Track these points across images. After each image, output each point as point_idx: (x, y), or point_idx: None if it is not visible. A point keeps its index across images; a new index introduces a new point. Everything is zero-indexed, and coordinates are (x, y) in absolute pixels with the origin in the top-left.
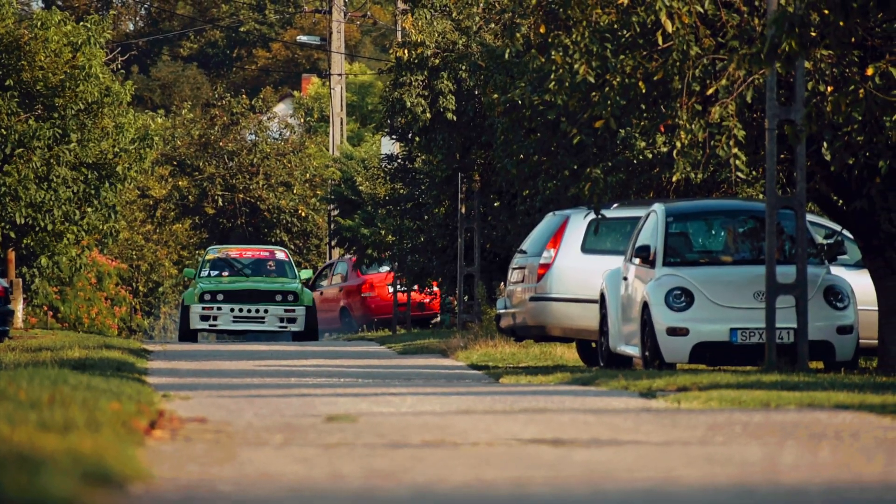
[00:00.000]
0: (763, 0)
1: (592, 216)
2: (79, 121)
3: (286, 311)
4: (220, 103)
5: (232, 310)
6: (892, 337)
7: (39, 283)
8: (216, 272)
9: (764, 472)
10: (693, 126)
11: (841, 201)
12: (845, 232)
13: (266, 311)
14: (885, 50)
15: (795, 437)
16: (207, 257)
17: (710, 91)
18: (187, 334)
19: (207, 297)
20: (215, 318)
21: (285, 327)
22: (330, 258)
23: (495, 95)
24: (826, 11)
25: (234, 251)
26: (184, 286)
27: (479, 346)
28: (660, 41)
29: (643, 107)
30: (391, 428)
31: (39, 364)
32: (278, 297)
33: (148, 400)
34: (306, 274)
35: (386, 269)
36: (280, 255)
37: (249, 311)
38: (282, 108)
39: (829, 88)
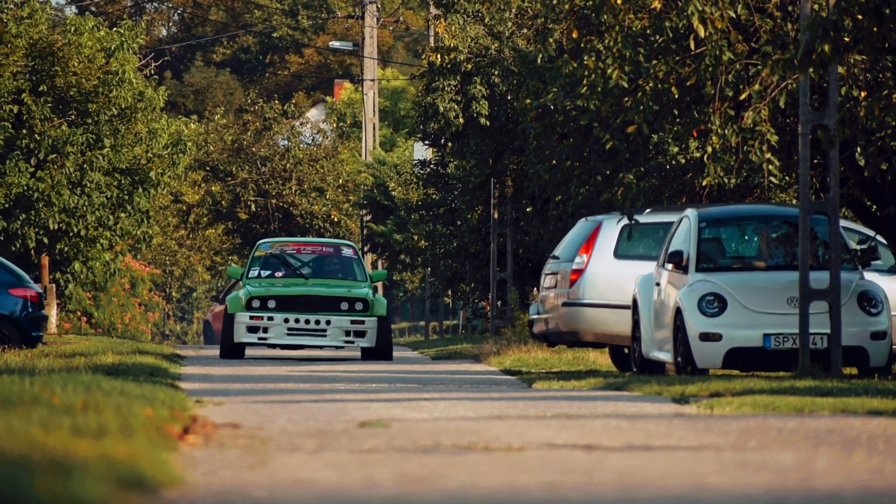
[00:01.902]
0: (796, 5)
1: (625, 221)
2: (112, 126)
3: (353, 322)
4: (252, 109)
5: (286, 320)
6: None
7: (73, 288)
8: (268, 272)
9: (797, 478)
10: (726, 131)
11: (874, 206)
12: (879, 237)
13: (328, 323)
14: None
15: (829, 443)
16: (258, 253)
17: (744, 96)
18: (231, 349)
19: (256, 303)
20: (265, 331)
21: (352, 342)
22: None
23: (528, 100)
24: (860, 17)
25: (290, 246)
26: (216, 292)
27: (512, 352)
28: (692, 46)
29: (676, 112)
30: (424, 433)
31: (73, 369)
32: (344, 305)
33: (181, 405)
34: (380, 275)
35: None
36: (347, 251)
37: (308, 321)
38: (314, 114)
39: (863, 93)
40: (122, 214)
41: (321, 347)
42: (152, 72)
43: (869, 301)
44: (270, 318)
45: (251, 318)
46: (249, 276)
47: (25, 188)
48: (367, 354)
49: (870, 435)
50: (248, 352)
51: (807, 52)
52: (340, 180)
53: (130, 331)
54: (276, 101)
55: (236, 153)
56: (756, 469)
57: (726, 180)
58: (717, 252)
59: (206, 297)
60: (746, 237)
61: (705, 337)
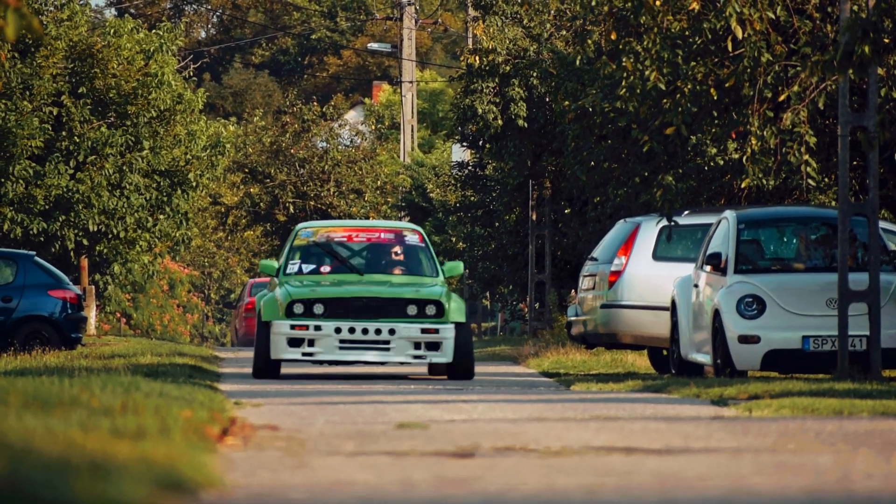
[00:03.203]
0: (836, 6)
1: (664, 223)
2: (151, 128)
3: (424, 331)
4: (291, 110)
5: (338, 330)
6: None
7: (112, 290)
8: (311, 266)
9: (836, 480)
10: (764, 133)
11: None
12: None
13: (392, 333)
14: None
15: (868, 446)
16: (298, 241)
17: (782, 98)
18: (267, 367)
19: (299, 308)
20: (311, 344)
21: (422, 357)
22: None
23: (566, 102)
24: None
25: (339, 231)
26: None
27: (551, 354)
28: (730, 48)
29: (714, 113)
30: (462, 435)
31: (112, 371)
32: (411, 309)
33: (220, 407)
34: (455, 269)
35: None
36: (412, 237)
37: (366, 331)
38: (353, 116)
39: None
40: (161, 216)
41: (383, 364)
42: (191, 74)
43: None
44: (318, 328)
45: (292, 327)
46: (287, 271)
47: (65, 190)
48: (441, 371)
49: None
50: (285, 369)
51: (846, 53)
52: (379, 182)
53: (169, 332)
54: (315, 103)
55: (275, 155)
56: (795, 471)
57: (765, 182)
58: (756, 254)
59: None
60: (785, 239)
61: (744, 339)
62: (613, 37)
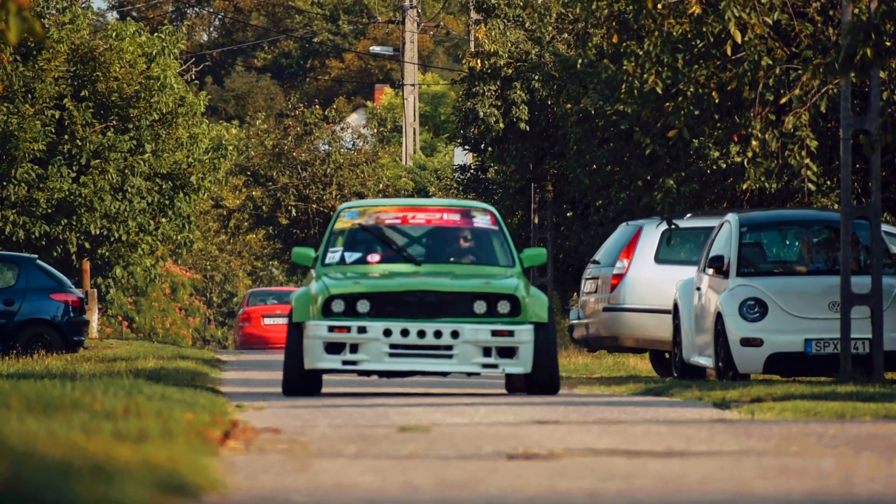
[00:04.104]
0: (837, 10)
1: (665, 226)
2: (153, 131)
3: (496, 333)
4: (293, 114)
5: (388, 332)
6: None
7: (114, 293)
8: (356, 254)
9: (839, 483)
10: (766, 136)
11: None
12: None
13: (455, 335)
14: None
15: (871, 449)
16: (340, 224)
17: (784, 101)
18: (301, 379)
19: (339, 305)
20: (355, 350)
21: (494, 366)
22: None
23: (568, 105)
24: None
25: (390, 212)
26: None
27: None
28: (729, 52)
29: (716, 117)
30: (464, 438)
31: (114, 374)
32: (480, 306)
33: (222, 410)
34: (536, 256)
35: (273, 300)
36: (482, 218)
37: (422, 333)
38: (355, 119)
39: None
40: (163, 219)
41: (444, 374)
42: (193, 77)
43: None
44: (362, 330)
45: (331, 328)
46: (327, 261)
47: (67, 193)
48: (518, 384)
49: None
50: (325, 382)
51: (848, 56)
52: (381, 185)
53: (171, 336)
54: (317, 106)
55: (277, 158)
56: (797, 474)
57: (767, 185)
58: (758, 257)
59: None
60: (787, 242)
61: (746, 342)
62: (615, 40)
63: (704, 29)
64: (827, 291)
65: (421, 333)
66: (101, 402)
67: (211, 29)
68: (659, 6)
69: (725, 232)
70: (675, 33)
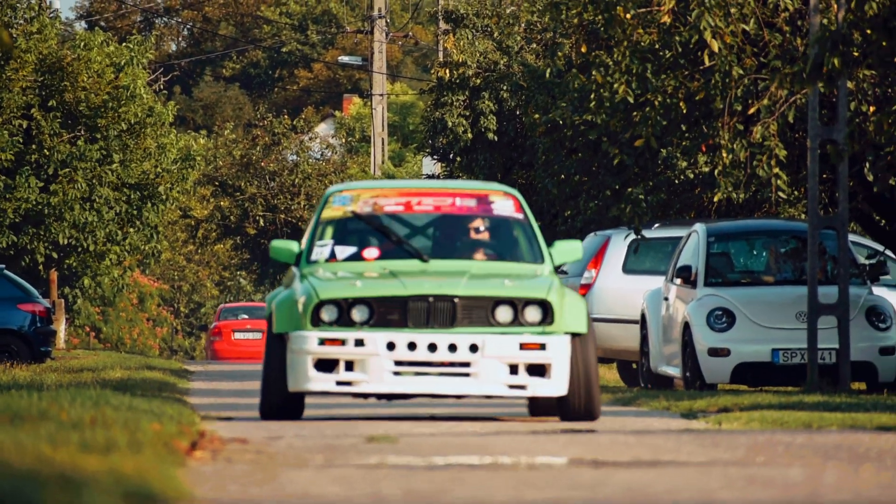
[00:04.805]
0: (805, 20)
1: (633, 236)
2: (121, 141)
3: (524, 346)
4: (261, 123)
5: (391, 345)
6: None
7: (82, 303)
8: (349, 249)
9: (806, 493)
10: (734, 146)
11: (883, 221)
12: (888, 252)
13: (474, 349)
14: None
15: (838, 459)
16: (329, 213)
17: (752, 111)
18: (283, 401)
19: (331, 312)
20: (351, 367)
21: (521, 387)
22: None
23: (536, 115)
24: (869, 31)
25: (391, 196)
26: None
27: None
28: (706, 61)
29: (684, 127)
30: (432, 448)
31: (81, 385)
32: (504, 314)
33: (189, 420)
34: (569, 251)
35: (245, 315)
36: (503, 203)
37: (433, 347)
38: (323, 129)
39: (872, 108)
40: (131, 230)
41: (460, 397)
42: (161, 87)
43: (878, 316)
44: (360, 343)
45: (322, 342)
46: (313, 257)
47: (35, 203)
48: (548, 407)
49: (878, 450)
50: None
51: (816, 66)
52: None
53: (138, 346)
54: (286, 116)
55: (245, 168)
56: (764, 484)
57: (735, 195)
58: (726, 267)
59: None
60: (755, 252)
61: (714, 352)
62: (584, 50)
63: (675, 38)
64: (794, 301)
65: (432, 347)
66: (69, 413)
67: (179, 39)
68: (628, 16)
69: (693, 242)
70: (643, 43)
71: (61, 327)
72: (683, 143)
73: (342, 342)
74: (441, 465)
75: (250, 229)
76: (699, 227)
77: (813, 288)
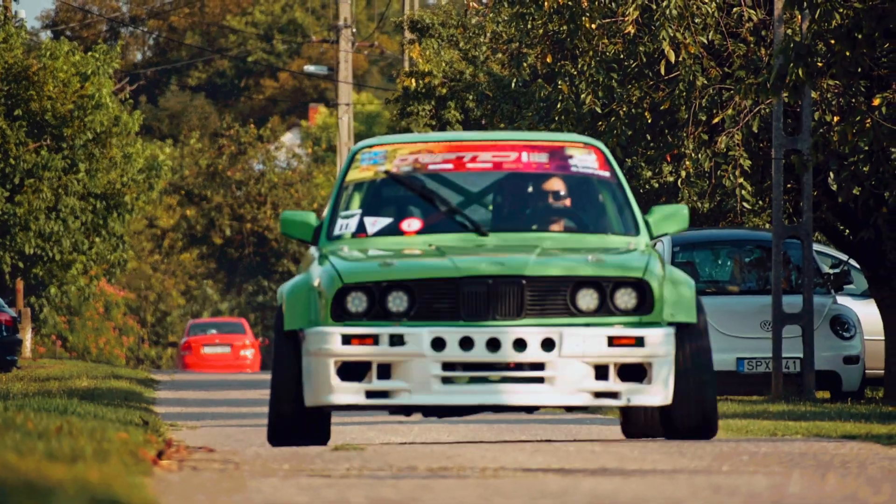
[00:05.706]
0: (770, 30)
1: None
2: (87, 151)
3: (614, 340)
4: (227, 133)
5: (438, 343)
6: None
7: (48, 312)
8: (384, 220)
9: (770, 501)
10: (699, 156)
11: (847, 231)
12: (852, 261)
13: (549, 347)
14: (891, 80)
15: (802, 467)
16: (354, 174)
17: (717, 120)
18: (300, 420)
19: (358, 300)
20: (386, 373)
21: (613, 395)
22: None
23: (502, 125)
24: (833, 41)
25: (436, 152)
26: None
27: None
28: (662, 71)
29: (649, 136)
30: (399, 457)
31: (47, 394)
32: (587, 299)
33: (155, 429)
34: (675, 216)
35: (213, 331)
36: (583, 157)
37: (495, 344)
38: (289, 138)
39: (836, 118)
40: (97, 239)
41: (531, 410)
42: (127, 96)
43: (842, 325)
44: (398, 341)
45: (347, 339)
46: (336, 232)
47: (1, 213)
48: (648, 425)
49: (843, 459)
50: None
51: (780, 76)
52: (315, 205)
53: (105, 355)
54: (252, 125)
55: (211, 177)
56: (729, 493)
57: (700, 205)
58: (691, 276)
59: (181, 322)
60: (720, 261)
61: None
62: (549, 60)
63: (640, 49)
64: (759, 311)
65: (493, 344)
66: (34, 422)
67: (145, 48)
68: (593, 26)
69: (658, 251)
70: (608, 53)
71: (27, 336)
72: (648, 153)
73: (374, 340)
74: (408, 473)
75: (216, 239)
76: (664, 237)
77: (777, 297)
